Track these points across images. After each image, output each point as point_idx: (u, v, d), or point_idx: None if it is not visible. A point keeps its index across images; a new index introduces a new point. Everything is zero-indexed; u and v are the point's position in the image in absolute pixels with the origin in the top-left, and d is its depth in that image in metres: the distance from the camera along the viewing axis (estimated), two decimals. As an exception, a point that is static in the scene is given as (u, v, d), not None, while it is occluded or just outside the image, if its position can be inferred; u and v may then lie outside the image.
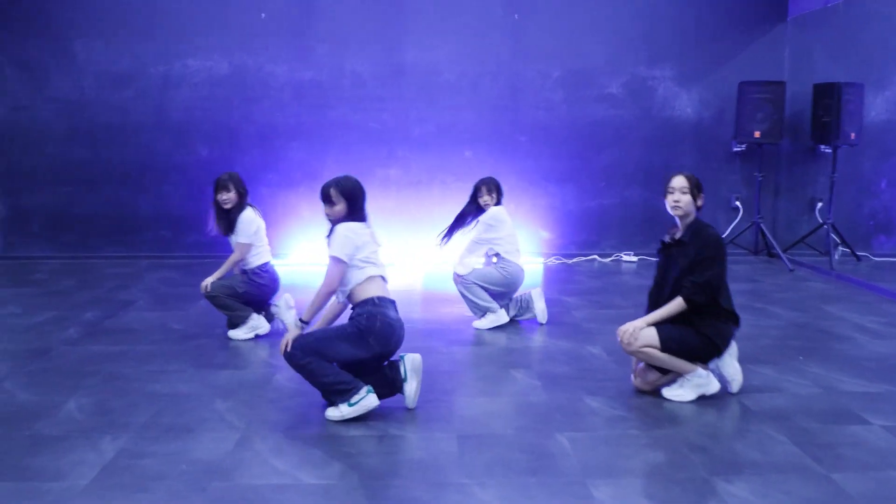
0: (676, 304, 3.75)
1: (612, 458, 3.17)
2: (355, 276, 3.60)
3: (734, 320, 3.88)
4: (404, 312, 3.69)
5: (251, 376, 4.17)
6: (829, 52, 7.90)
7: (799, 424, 3.53)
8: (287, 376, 4.18)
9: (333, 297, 3.72)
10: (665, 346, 3.75)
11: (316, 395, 3.69)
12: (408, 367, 3.64)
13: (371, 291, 3.60)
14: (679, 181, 3.82)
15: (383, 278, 3.69)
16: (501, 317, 5.24)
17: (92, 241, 7.90)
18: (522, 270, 5.32)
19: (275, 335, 4.93)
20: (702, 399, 3.82)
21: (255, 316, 4.96)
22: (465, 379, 4.21)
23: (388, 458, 3.17)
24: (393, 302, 3.67)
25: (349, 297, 3.66)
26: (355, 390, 3.49)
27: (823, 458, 3.17)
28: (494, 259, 5.28)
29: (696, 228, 3.82)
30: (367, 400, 3.50)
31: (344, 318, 3.69)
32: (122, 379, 4.08)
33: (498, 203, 5.33)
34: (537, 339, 5.00)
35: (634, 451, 3.24)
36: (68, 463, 3.07)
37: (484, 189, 5.31)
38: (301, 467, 3.06)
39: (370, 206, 3.79)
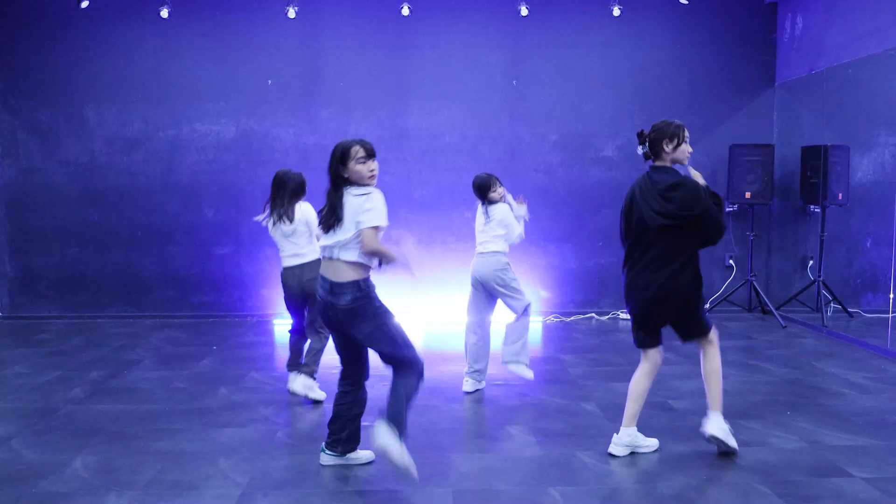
0: None
1: (602, 513, 3.26)
2: None
3: None
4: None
5: (253, 434, 4.27)
6: (815, 116, 8.12)
7: (784, 478, 3.62)
8: (287, 433, 4.29)
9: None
10: None
11: (314, 449, 3.82)
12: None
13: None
14: None
15: None
16: None
17: (98, 301, 8.05)
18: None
19: (279, 400, 5.05)
20: (691, 454, 3.92)
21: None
22: (463, 436, 4.32)
23: (384, 513, 3.28)
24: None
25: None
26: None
27: (808, 512, 3.26)
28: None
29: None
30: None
31: None
32: (127, 438, 4.19)
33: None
34: (535, 397, 5.10)
35: (625, 507, 3.34)
36: (75, 519, 3.17)
37: (498, 182, 5.60)
38: (300, 522, 3.16)
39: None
